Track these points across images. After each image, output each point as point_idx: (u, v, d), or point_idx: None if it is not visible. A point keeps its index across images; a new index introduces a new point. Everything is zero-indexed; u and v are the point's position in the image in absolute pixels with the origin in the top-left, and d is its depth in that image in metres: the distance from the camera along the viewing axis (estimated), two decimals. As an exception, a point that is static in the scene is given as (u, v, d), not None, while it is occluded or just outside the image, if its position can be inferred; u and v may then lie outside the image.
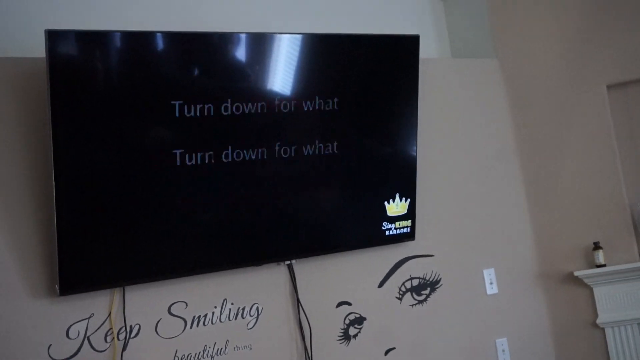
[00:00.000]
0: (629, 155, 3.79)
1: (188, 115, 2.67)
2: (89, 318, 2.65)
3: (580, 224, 3.77)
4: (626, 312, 3.66)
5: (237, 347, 2.93)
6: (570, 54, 3.84)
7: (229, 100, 2.75)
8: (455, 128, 3.71)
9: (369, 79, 3.15)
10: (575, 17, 3.84)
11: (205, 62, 2.75)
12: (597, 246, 3.68)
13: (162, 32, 2.65)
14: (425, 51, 3.53)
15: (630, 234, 3.71)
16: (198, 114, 2.69)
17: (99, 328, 2.66)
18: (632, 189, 3.76)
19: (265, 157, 2.86)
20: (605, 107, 3.79)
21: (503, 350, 3.60)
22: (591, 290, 3.71)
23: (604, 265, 3.66)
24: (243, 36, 2.81)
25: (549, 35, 3.88)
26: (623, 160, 3.78)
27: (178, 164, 2.68)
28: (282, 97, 2.89)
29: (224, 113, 2.74)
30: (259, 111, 2.82)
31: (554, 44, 3.87)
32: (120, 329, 2.70)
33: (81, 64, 2.50)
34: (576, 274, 3.68)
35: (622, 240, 3.72)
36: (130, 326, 2.72)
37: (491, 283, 3.64)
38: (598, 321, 3.69)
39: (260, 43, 2.85)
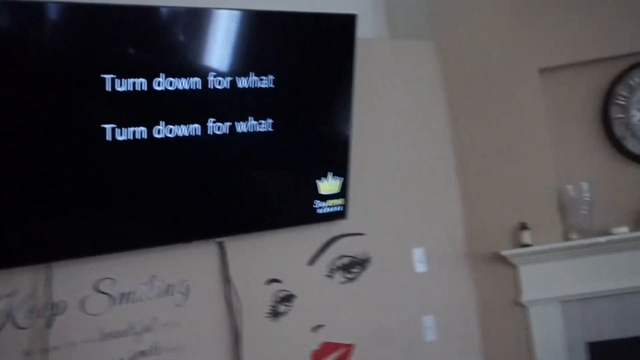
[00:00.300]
0: (558, 139, 3.99)
1: (119, 90, 2.67)
2: (12, 294, 2.65)
3: (509, 204, 3.94)
4: (549, 291, 3.87)
5: (165, 324, 2.97)
6: (505, 38, 3.98)
7: (162, 75, 2.76)
8: (390, 109, 3.81)
9: (305, 57, 3.20)
10: (511, 1, 3.99)
11: (140, 36, 2.74)
12: (523, 226, 3.87)
13: (95, 4, 2.63)
14: (365, 31, 3.61)
15: (557, 216, 3.92)
16: (130, 88, 2.69)
17: (23, 305, 2.67)
18: (561, 172, 3.95)
19: (198, 133, 2.90)
20: (537, 91, 3.95)
21: (430, 328, 3.76)
22: (517, 269, 3.92)
23: (530, 245, 3.86)
24: (179, 10, 2.82)
25: (485, 18, 4.01)
26: (553, 144, 3.97)
27: (108, 139, 2.69)
28: (217, 73, 2.91)
29: (157, 88, 2.76)
30: (193, 87, 2.85)
31: (490, 27, 4.00)
32: (45, 305, 2.71)
33: (8, 35, 2.46)
34: (502, 253, 3.87)
35: (548, 221, 3.91)
36: (56, 303, 2.74)
37: (421, 262, 3.79)
38: (522, 299, 3.90)
39: (197, 18, 2.85)
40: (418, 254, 3.79)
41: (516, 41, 3.97)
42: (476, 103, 4.01)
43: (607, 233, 3.82)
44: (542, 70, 3.97)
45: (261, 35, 3.05)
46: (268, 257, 3.31)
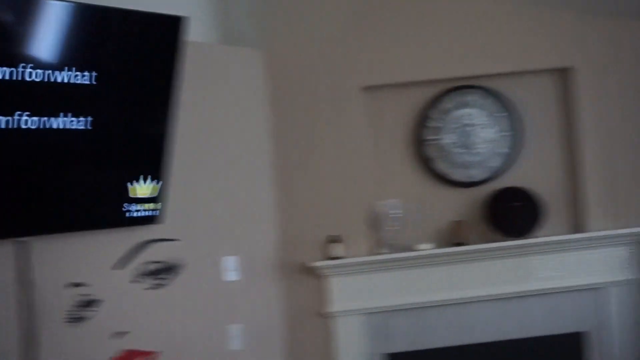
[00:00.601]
0: (377, 156, 4.27)
1: None
2: None
3: (325, 217, 4.17)
4: (355, 303, 4.14)
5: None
6: (332, 53, 4.20)
7: (-29, 62, 2.68)
8: (214, 115, 3.89)
9: (129, 56, 3.17)
10: (339, 19, 4.21)
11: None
12: (333, 239, 4.11)
13: None
14: (198, 34, 3.67)
15: (366, 230, 4.20)
16: None
17: None
18: (377, 188, 4.24)
19: (7, 126, 2.83)
20: (359, 108, 4.21)
21: (235, 337, 3.89)
22: (326, 281, 4.14)
23: (341, 258, 4.11)
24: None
25: (314, 32, 4.21)
26: (371, 160, 4.24)
27: None
28: (32, 65, 2.85)
29: (-37, 75, 2.67)
30: (5, 77, 2.78)
31: (319, 41, 4.21)
32: None
33: None
34: (312, 264, 4.07)
35: (360, 235, 4.19)
36: None
37: (233, 270, 3.91)
38: (329, 310, 4.13)
39: (17, 5, 2.75)
40: (230, 262, 3.91)
41: (342, 58, 4.20)
42: (300, 114, 4.19)
43: (413, 249, 4.15)
44: (365, 89, 4.23)
45: (85, 30, 2.99)
46: (73, 259, 3.26)
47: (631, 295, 4.26)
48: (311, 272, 4.12)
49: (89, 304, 3.32)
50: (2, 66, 2.77)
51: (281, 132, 4.18)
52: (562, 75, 4.34)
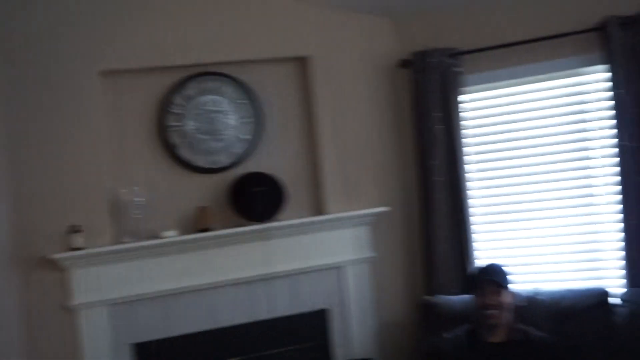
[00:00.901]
0: (118, 143, 4.21)
1: None
2: None
3: (63, 207, 4.04)
4: (99, 294, 4.07)
5: None
6: (68, 37, 4.07)
7: None
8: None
9: None
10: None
11: None
12: (74, 229, 3.99)
13: None
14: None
15: (108, 219, 4.14)
16: None
17: None
18: (118, 176, 4.19)
19: None
20: (97, 93, 4.12)
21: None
22: (68, 273, 4.02)
23: (82, 249, 4.01)
24: None
25: (48, 14, 4.04)
26: (112, 147, 4.19)
27: None
28: None
29: None
30: None
31: (52, 22, 4.05)
32: None
33: None
34: (51, 257, 3.94)
35: (101, 225, 4.11)
36: None
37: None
38: (72, 303, 4.03)
39: None
40: (-43, 258, 3.69)
41: (78, 40, 4.09)
42: (35, 99, 4.02)
43: (158, 236, 4.15)
44: (104, 73, 4.15)
45: None
46: None
47: (366, 272, 4.57)
48: (52, 265, 3.98)
49: None
50: None
51: (13, 117, 3.99)
52: (301, 64, 4.54)
